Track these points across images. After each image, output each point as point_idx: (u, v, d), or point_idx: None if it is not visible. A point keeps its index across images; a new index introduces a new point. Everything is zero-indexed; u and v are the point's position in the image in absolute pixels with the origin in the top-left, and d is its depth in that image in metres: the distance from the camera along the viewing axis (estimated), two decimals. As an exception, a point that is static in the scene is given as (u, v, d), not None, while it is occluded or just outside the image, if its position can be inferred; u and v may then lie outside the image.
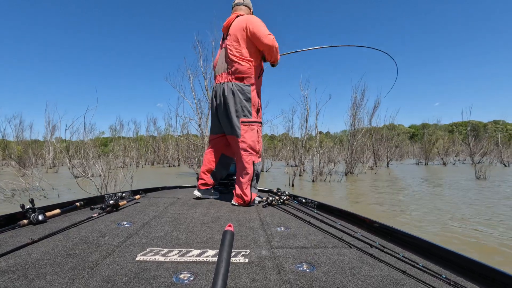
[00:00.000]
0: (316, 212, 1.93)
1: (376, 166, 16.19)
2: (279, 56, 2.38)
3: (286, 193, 2.37)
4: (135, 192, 2.53)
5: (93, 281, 0.89)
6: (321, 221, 1.68)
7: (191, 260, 1.07)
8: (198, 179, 2.53)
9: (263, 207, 2.15)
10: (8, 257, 1.05)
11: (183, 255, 1.12)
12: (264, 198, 2.23)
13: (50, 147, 19.68)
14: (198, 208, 2.07)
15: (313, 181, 9.52)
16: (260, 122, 2.32)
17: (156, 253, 1.14)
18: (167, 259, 1.08)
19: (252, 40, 2.23)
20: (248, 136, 2.22)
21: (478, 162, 17.60)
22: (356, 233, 1.42)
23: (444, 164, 18.45)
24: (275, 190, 2.58)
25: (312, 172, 9.98)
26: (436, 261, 1.11)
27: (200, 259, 1.09)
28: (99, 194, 5.85)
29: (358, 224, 1.65)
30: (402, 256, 1.11)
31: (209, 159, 2.48)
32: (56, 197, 6.26)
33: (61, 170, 15.84)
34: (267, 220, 1.75)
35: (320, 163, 10.73)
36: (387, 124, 18.78)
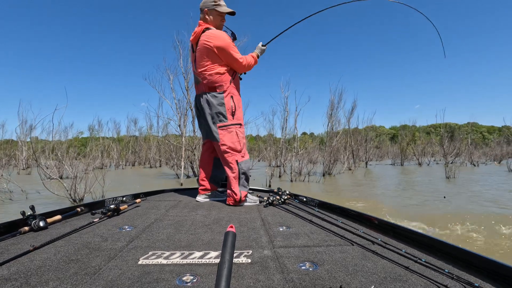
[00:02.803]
0: (317, 211, 1.95)
1: (355, 167, 16.59)
2: (249, 66, 2.40)
3: (287, 192, 2.40)
4: (136, 196, 2.50)
5: (96, 286, 0.88)
6: (323, 219, 1.70)
7: (193, 262, 1.07)
8: (198, 181, 2.55)
9: (264, 207, 2.16)
10: (10, 264, 1.03)
11: (185, 258, 1.12)
12: (265, 198, 2.26)
13: (24, 148, 18.64)
14: (199, 210, 2.07)
15: (291, 181, 9.66)
16: (239, 124, 2.34)
17: (159, 256, 1.13)
18: (169, 262, 1.08)
19: (224, 60, 2.26)
20: (226, 138, 2.28)
21: (451, 163, 18.51)
22: (358, 230, 1.45)
23: (420, 164, 19.24)
24: (275, 190, 2.60)
25: (291, 173, 10.10)
26: (438, 256, 1.14)
27: (203, 261, 1.09)
28: (70, 197, 5.72)
29: (360, 222, 1.68)
30: (405, 252, 1.14)
31: (203, 165, 2.52)
32: (24, 200, 6.11)
33: (34, 171, 15.07)
34: (268, 220, 1.76)
35: (299, 163, 10.87)
36: (369, 125, 19.25)
